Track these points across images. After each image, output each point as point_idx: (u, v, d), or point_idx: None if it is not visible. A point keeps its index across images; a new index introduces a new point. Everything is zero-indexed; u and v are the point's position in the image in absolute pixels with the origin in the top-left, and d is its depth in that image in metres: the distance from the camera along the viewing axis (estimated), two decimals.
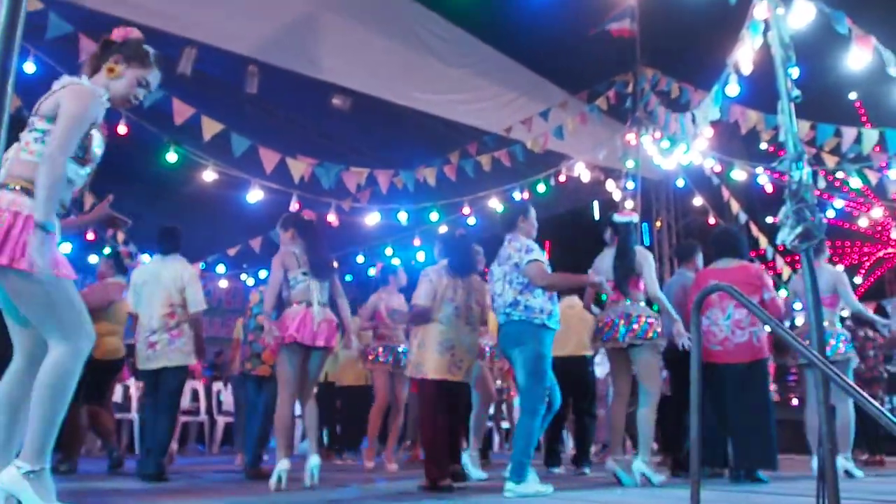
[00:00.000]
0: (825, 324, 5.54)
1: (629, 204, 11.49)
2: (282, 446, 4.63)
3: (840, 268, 6.13)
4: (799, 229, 2.94)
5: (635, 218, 5.26)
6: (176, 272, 5.41)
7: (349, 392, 8.16)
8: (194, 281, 5.45)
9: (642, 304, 5.07)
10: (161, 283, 5.36)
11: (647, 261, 5.07)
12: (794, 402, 11.63)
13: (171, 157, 7.18)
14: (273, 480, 4.45)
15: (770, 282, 5.42)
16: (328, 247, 5.22)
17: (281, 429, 4.71)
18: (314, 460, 4.61)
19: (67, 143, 2.55)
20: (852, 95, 10.92)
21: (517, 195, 9.56)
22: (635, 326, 4.88)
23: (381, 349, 6.80)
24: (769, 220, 9.68)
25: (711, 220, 11.26)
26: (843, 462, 5.30)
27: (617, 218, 5.28)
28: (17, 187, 2.52)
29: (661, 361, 5.27)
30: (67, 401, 2.54)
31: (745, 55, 4.35)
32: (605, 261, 5.26)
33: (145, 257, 5.49)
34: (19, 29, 1.85)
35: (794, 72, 3.30)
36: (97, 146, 2.72)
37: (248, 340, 5.94)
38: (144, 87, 2.86)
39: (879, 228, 14.35)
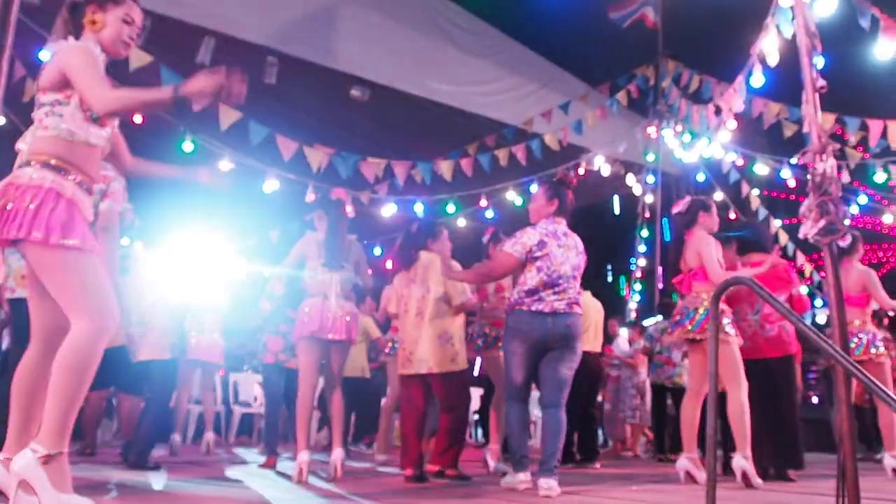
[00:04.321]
0: (857, 323, 5.60)
1: (649, 198, 11.41)
2: (302, 438, 4.59)
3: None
4: (822, 223, 2.87)
5: (681, 207, 5.17)
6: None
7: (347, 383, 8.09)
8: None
9: (703, 295, 4.81)
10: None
11: (706, 246, 4.81)
12: (815, 399, 11.52)
13: (187, 146, 7.18)
14: (295, 472, 4.42)
15: (796, 278, 5.34)
16: (345, 235, 4.99)
17: (302, 421, 4.66)
18: (338, 453, 4.55)
19: (96, 80, 2.47)
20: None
21: (535, 188, 9.50)
22: (687, 322, 4.76)
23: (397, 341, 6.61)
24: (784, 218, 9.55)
25: (732, 216, 11.14)
26: (891, 460, 5.45)
27: (672, 211, 5.24)
28: (38, 163, 2.47)
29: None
30: (89, 381, 2.41)
31: (770, 45, 4.24)
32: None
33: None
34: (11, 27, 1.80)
35: (820, 61, 3.23)
36: None
37: (280, 331, 5.89)
38: (130, 24, 2.71)
39: None
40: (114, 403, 6.55)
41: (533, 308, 4.15)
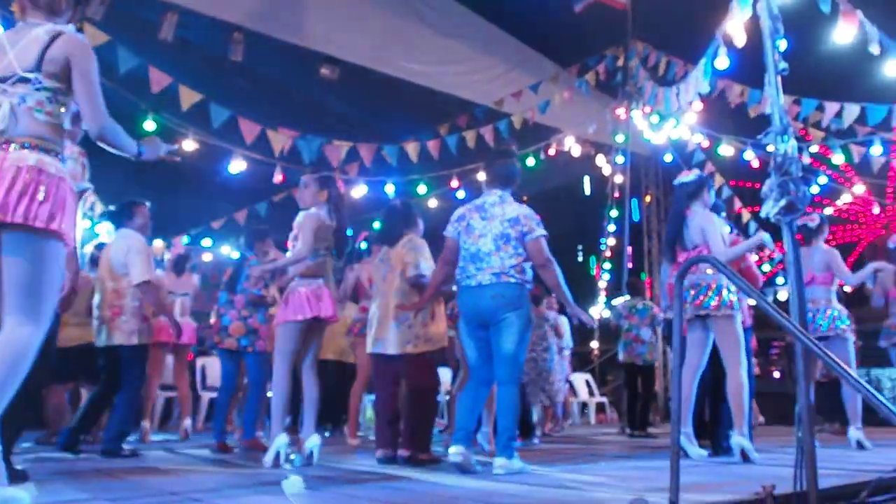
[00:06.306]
0: (822, 301, 5.76)
1: (619, 179, 11.48)
2: (279, 422, 4.42)
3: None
4: (783, 202, 2.93)
5: (689, 178, 4.98)
6: (118, 247, 5.24)
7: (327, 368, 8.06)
8: (133, 252, 5.16)
9: (709, 271, 4.74)
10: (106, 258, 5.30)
11: (710, 224, 4.75)
12: (776, 374, 11.79)
13: (149, 125, 7.01)
14: (270, 457, 4.27)
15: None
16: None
17: (279, 404, 4.48)
18: (314, 439, 4.42)
19: (100, 100, 2.58)
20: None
21: None
22: (701, 297, 4.68)
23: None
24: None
25: None
26: (855, 433, 5.49)
27: (675, 180, 5.06)
28: (35, 147, 2.47)
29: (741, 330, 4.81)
30: (18, 383, 2.35)
31: (735, 27, 4.26)
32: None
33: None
34: None
35: (782, 44, 3.27)
36: None
37: (219, 314, 5.77)
38: None
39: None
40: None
41: (463, 284, 4.19)
